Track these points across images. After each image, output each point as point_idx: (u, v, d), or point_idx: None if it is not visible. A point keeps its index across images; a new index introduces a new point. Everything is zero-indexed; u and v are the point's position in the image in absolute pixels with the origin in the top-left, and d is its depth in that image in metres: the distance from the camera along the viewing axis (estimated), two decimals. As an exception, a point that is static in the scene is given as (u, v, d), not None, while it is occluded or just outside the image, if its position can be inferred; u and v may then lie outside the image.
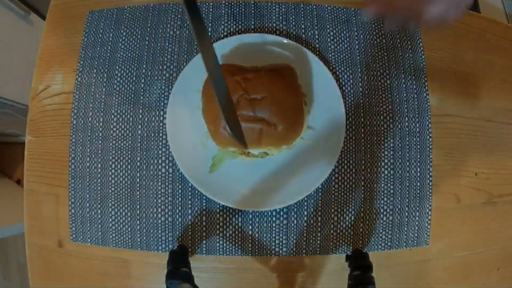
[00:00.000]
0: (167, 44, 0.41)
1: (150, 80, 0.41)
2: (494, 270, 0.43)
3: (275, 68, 0.33)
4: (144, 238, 0.39)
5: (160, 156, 0.39)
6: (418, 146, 0.41)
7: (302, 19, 0.42)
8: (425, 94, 0.42)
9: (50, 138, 0.41)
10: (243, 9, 0.42)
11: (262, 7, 0.42)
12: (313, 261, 0.39)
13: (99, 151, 0.40)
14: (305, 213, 0.39)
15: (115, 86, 0.41)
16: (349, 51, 0.42)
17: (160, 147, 0.40)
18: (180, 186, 0.39)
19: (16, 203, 1.05)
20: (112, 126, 0.40)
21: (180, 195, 0.39)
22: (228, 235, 0.39)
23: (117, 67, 0.41)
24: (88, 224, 0.39)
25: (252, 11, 0.42)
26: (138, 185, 0.39)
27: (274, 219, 0.39)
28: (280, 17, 0.42)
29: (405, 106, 0.42)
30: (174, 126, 0.37)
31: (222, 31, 0.41)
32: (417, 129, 0.41)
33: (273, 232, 0.39)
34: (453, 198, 0.42)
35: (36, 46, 0.43)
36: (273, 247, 0.39)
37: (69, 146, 0.40)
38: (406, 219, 0.40)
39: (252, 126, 0.31)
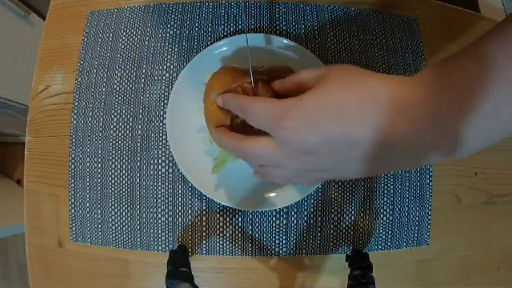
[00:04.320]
0: (167, 44, 0.41)
1: (150, 80, 0.41)
2: (494, 270, 0.43)
3: (274, 70, 0.32)
4: (144, 238, 0.39)
5: (160, 156, 0.39)
6: (418, 146, 0.41)
7: (302, 19, 0.42)
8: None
9: (50, 138, 0.41)
10: (243, 9, 0.42)
11: (262, 7, 0.42)
12: (313, 261, 0.39)
13: (99, 151, 0.40)
14: (305, 213, 0.39)
15: (115, 86, 0.41)
16: (349, 51, 0.42)
17: (160, 147, 0.40)
18: (180, 186, 0.39)
19: (16, 203, 1.05)
20: (112, 126, 0.40)
21: (180, 195, 0.39)
22: (228, 235, 0.39)
23: (117, 67, 0.41)
24: (88, 224, 0.39)
25: (252, 11, 0.42)
26: (138, 185, 0.39)
27: (274, 219, 0.39)
28: (280, 17, 0.42)
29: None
30: (174, 126, 0.37)
31: (222, 31, 0.41)
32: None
33: (273, 232, 0.39)
34: (453, 198, 0.42)
35: (36, 46, 0.43)
36: (273, 247, 0.39)
37: (69, 146, 0.40)
38: (406, 219, 0.40)
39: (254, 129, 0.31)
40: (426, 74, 0.21)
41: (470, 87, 0.19)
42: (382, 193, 0.40)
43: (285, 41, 0.39)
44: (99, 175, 0.40)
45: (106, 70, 0.41)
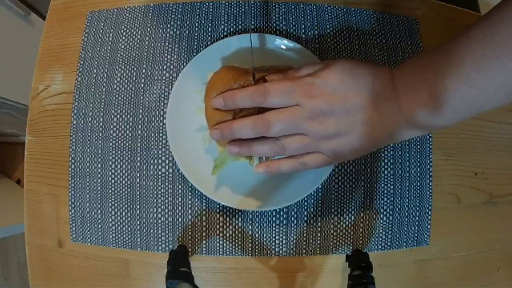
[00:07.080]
0: (167, 44, 0.41)
1: (150, 80, 0.41)
2: (494, 270, 0.43)
3: (276, 69, 0.32)
4: (144, 238, 0.39)
5: (160, 156, 0.39)
6: (418, 146, 0.41)
7: (302, 19, 0.42)
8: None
9: (50, 138, 0.41)
10: (243, 9, 0.42)
11: (262, 7, 0.42)
12: (313, 261, 0.39)
13: (99, 151, 0.40)
14: (305, 213, 0.39)
15: (115, 86, 0.41)
16: (349, 51, 0.42)
17: (160, 147, 0.40)
18: (180, 186, 0.39)
19: (16, 203, 1.06)
20: (112, 126, 0.40)
21: (180, 195, 0.39)
22: (228, 235, 0.39)
23: (117, 67, 0.41)
24: (88, 224, 0.39)
25: (252, 11, 0.42)
26: (138, 185, 0.39)
27: (274, 219, 0.39)
28: (280, 17, 0.42)
29: (405, 106, 0.42)
30: (174, 126, 0.37)
31: (222, 31, 0.41)
32: (417, 129, 0.41)
33: (273, 232, 0.39)
34: (453, 198, 0.42)
35: (36, 46, 0.43)
36: (273, 247, 0.39)
37: (69, 146, 0.40)
38: (406, 219, 0.40)
39: None
40: (403, 64, 0.29)
41: (431, 67, 0.27)
42: (382, 193, 0.40)
43: (285, 41, 0.39)
44: (99, 175, 0.40)
45: (106, 70, 0.41)
